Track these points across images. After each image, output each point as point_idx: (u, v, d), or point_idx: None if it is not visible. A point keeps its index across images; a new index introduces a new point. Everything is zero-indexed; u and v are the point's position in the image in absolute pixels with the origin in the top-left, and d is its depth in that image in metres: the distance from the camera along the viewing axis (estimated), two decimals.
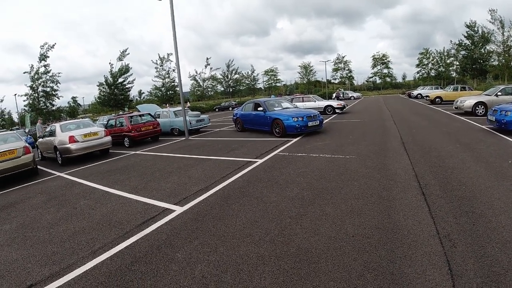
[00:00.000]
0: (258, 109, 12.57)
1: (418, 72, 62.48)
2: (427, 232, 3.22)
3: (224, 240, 3.46)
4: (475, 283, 2.34)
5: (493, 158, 6.10)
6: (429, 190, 4.46)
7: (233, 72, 60.09)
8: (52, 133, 11.52)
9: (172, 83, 45.26)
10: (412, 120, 13.79)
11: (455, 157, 6.38)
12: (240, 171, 6.63)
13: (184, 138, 13.58)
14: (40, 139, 12.88)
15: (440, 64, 55.08)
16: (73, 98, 35.58)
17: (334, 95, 46.10)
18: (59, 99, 33.21)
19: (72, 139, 10.25)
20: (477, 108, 13.79)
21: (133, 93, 43.38)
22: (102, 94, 38.40)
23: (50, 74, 31.72)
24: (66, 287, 2.90)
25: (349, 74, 74.41)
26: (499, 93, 13.76)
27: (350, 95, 48.98)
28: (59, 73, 32.54)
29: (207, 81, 53.90)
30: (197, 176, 6.64)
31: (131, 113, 16.17)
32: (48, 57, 31.22)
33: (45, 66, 31.34)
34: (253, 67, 77.09)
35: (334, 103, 20.66)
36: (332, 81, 77.71)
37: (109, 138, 11.31)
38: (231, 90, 60.88)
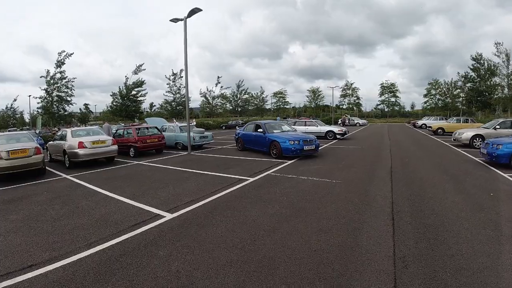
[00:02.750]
0: (259, 130, 13.09)
1: (425, 102, 63.09)
2: (384, 253, 3.57)
3: (202, 244, 3.89)
4: None
5: (475, 190, 6.43)
6: (399, 216, 4.81)
7: (243, 92, 61.56)
8: (62, 138, 12.22)
9: (183, 99, 46.46)
10: (409, 149, 14.18)
11: (438, 187, 6.73)
12: (231, 187, 7.07)
13: (186, 153, 14.12)
14: (51, 142, 13.54)
15: (447, 95, 55.66)
16: (85, 104, 36.89)
17: (339, 121, 46.65)
18: (72, 105, 34.33)
19: (81, 145, 10.89)
20: (474, 140, 14.09)
21: (145, 105, 44.56)
22: (115, 103, 39.63)
23: (65, 80, 32.87)
24: (61, 270, 3.35)
25: (357, 101, 75.66)
26: (498, 126, 14.10)
27: (356, 121, 49.47)
28: (74, 78, 33.71)
29: (216, 99, 55.23)
30: (191, 188, 7.11)
31: (140, 124, 16.89)
32: (65, 63, 32.44)
33: (61, 72, 32.54)
34: (262, 88, 78.37)
35: (336, 128, 21.12)
36: (340, 106, 78.75)
37: (115, 147, 11.92)
38: (239, 109, 62.05)
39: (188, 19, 14.08)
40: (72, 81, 33.52)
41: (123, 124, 26.96)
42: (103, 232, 4.49)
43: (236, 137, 15.21)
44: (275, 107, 79.95)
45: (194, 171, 9.46)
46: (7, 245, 4.17)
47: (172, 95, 46.73)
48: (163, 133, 15.68)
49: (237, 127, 44.70)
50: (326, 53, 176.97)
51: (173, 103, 46.39)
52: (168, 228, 4.55)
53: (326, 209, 5.26)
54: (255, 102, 70.07)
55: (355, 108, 76.37)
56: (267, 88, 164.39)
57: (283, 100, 79.57)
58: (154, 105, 64.09)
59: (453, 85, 54.15)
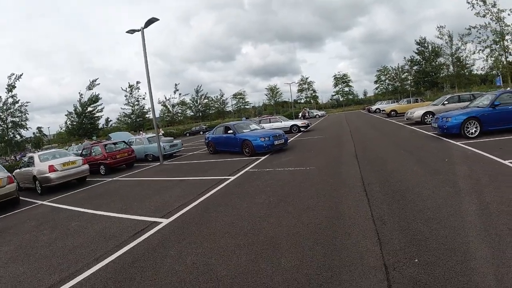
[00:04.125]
0: (228, 132, 13.49)
1: (377, 88, 66.62)
2: (364, 216, 4.23)
3: (208, 238, 4.28)
4: (398, 246, 3.26)
5: (432, 158, 7.37)
6: (370, 188, 5.52)
7: (202, 97, 61.54)
8: (29, 164, 11.89)
9: (142, 110, 45.67)
10: (367, 133, 15.33)
11: (398, 161, 7.60)
12: (216, 187, 7.46)
13: (158, 163, 14.18)
14: (17, 170, 13.06)
15: (396, 79, 59.21)
16: (39, 128, 35.10)
17: (300, 114, 48.08)
18: (27, 130, 32.45)
19: (52, 168, 10.68)
20: (425, 117, 15.43)
21: (101, 121, 43.15)
22: (71, 123, 38.09)
23: (18, 104, 31.04)
24: (78, 286, 3.54)
25: (313, 94, 78.16)
26: (446, 102, 15.59)
27: (315, 113, 51.25)
28: (27, 102, 31.93)
29: (176, 106, 54.74)
30: (177, 194, 7.40)
31: (99, 142, 16.64)
32: (15, 87, 30.65)
33: (12, 96, 30.70)
34: (222, 91, 78.63)
35: (299, 122, 22.09)
36: (298, 101, 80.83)
37: (86, 166, 11.81)
38: (200, 115, 61.92)
39: (144, 29, 14.17)
40: (26, 105, 31.67)
41: (90, 142, 26.11)
42: (105, 246, 4.66)
43: (207, 141, 15.48)
44: (236, 109, 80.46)
45: (173, 178, 9.69)
46: (12, 275, 4.20)
47: (130, 107, 45.71)
48: (131, 146, 15.58)
49: (201, 132, 44.84)
50: (278, 50, 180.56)
51: (132, 116, 45.37)
52: (169, 231, 4.87)
53: (307, 192, 5.85)
54: (216, 105, 70.16)
55: (312, 101, 78.82)
56: (224, 90, 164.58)
57: (243, 101, 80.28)
58: (110, 120, 62.33)
59: (400, 69, 57.78)
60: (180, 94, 53.55)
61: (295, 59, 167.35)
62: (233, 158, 12.10)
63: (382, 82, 63.66)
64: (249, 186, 7.06)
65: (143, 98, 46.08)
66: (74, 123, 38.42)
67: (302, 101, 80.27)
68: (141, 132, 32.36)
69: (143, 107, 46.19)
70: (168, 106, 54.72)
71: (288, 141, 13.97)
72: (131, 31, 14.53)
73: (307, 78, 77.97)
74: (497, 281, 2.47)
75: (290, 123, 21.95)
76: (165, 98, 55.45)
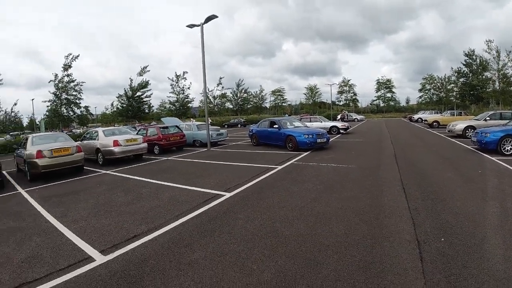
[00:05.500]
0: (274, 126, 14.46)
1: (420, 97, 64.85)
2: (401, 206, 5.04)
3: (268, 209, 5.26)
4: (429, 229, 4.06)
5: (467, 169, 7.94)
6: (408, 186, 6.27)
7: (243, 91, 63.17)
8: (92, 137, 13.46)
9: (186, 99, 47.91)
10: (407, 140, 15.72)
11: (435, 167, 8.22)
12: (266, 173, 8.45)
13: (206, 149, 15.46)
14: (78, 142, 14.63)
15: (441, 89, 57.42)
16: (86, 107, 37.93)
17: (338, 116, 48.18)
18: (80, 108, 35.38)
19: (116, 143, 12.09)
20: (467, 131, 15.60)
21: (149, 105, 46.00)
22: (121, 105, 40.97)
23: (74, 83, 33.82)
24: (166, 234, 4.54)
25: (353, 97, 77.39)
26: (488, 118, 15.68)
27: (354, 117, 51.01)
28: (82, 82, 34.72)
29: (217, 98, 56.66)
30: (231, 176, 8.45)
31: (143, 125, 18.14)
32: (71, 67, 33.31)
33: (68, 75, 33.39)
34: (262, 87, 79.86)
35: (339, 124, 22.63)
36: (337, 103, 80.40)
37: (145, 144, 13.23)
38: (239, 108, 63.60)
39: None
40: (81, 85, 34.50)
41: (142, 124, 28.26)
42: (180, 208, 5.72)
43: (251, 133, 16.58)
44: (273, 105, 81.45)
45: (224, 163, 10.82)
46: (96, 226, 4.98)
47: (175, 96, 48.01)
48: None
49: (239, 125, 46.26)
50: (319, 50, 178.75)
51: (176, 103, 47.63)
52: (234, 201, 5.92)
53: (350, 184, 6.70)
54: (254, 100, 71.65)
55: (351, 104, 78.10)
56: (262, 86, 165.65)
57: (282, 98, 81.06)
58: (152, 106, 65.62)
59: (446, 80, 55.95)
60: (223, 87, 55.56)
61: (336, 60, 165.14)
62: (276, 151, 13.02)
63: (426, 91, 61.90)
64: (297, 175, 7.98)
65: (188, 88, 48.40)
66: (124, 105, 41.38)
67: (341, 103, 79.77)
68: (192, 119, 34.31)
69: (187, 96, 48.43)
70: (210, 97, 56.76)
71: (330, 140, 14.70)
72: (191, 26, 15.80)
73: (348, 80, 77.51)
74: (504, 259, 3.23)
75: (330, 124, 22.55)
76: (208, 89, 57.57)
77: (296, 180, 7.45)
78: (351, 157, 10.75)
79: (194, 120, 28.52)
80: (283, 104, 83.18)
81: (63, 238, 4.71)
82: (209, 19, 15.02)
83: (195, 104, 65.82)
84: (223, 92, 58.65)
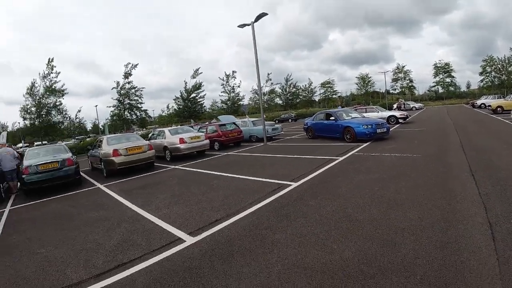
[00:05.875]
0: (330, 118, 14.44)
1: (481, 81, 59.66)
2: (471, 192, 4.98)
3: (337, 197, 5.46)
4: (499, 212, 4.01)
5: None
6: (477, 173, 6.08)
7: (291, 85, 63.15)
8: (160, 136, 14.50)
9: (237, 97, 49.45)
10: (472, 128, 14.83)
11: (504, 154, 7.77)
12: (328, 164, 8.59)
13: (262, 144, 15.88)
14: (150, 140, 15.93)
15: (502, 72, 52.35)
16: (144, 110, 41.20)
17: (395, 105, 46.07)
18: (141, 111, 38.36)
19: (182, 141, 13.00)
20: None
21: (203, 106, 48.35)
22: (177, 106, 43.74)
23: (135, 89, 36.88)
24: (245, 219, 4.95)
25: (409, 84, 73.11)
26: None
27: (411, 105, 48.37)
28: (142, 88, 37.86)
29: (267, 94, 57.30)
30: (294, 167, 8.74)
31: (209, 123, 18.96)
32: (131, 75, 36.35)
33: (129, 82, 36.49)
34: (310, 80, 78.22)
35: (397, 113, 21.80)
36: (391, 91, 76.62)
37: (208, 141, 14.00)
38: (288, 103, 63.69)
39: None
40: (141, 90, 37.54)
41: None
42: (252, 197, 6.12)
43: (306, 127, 16.69)
44: (323, 98, 79.93)
45: (283, 156, 11.13)
46: (179, 213, 5.58)
47: (226, 95, 49.66)
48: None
49: (290, 120, 46.36)
50: (368, 37, 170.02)
51: (228, 102, 49.19)
52: (302, 190, 6.19)
53: (416, 173, 6.63)
54: (304, 94, 71.06)
55: (407, 91, 73.96)
56: (308, 79, 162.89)
57: (331, 90, 79.17)
58: (204, 106, 68.37)
59: (507, 61, 50.86)
60: (272, 83, 56.03)
61: (388, 46, 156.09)
62: (334, 143, 13.00)
63: (487, 74, 56.59)
64: (360, 165, 8.03)
65: (238, 86, 49.99)
66: (180, 106, 44.00)
67: (396, 91, 75.88)
68: (247, 116, 35.73)
69: (238, 94, 49.96)
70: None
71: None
72: (242, 25, 16.24)
73: (403, 67, 73.15)
74: None
75: (387, 113, 21.80)
76: (257, 87, 58.48)
77: (360, 170, 7.50)
78: (414, 146, 10.45)
79: (248, 117, 29.36)
80: (333, 96, 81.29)
81: (151, 223, 5.31)
82: (259, 17, 15.31)
83: (245, 101, 67.29)
84: (272, 88, 59.30)
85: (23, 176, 9.31)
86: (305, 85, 72.81)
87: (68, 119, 36.16)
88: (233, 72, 49.59)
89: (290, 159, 10.23)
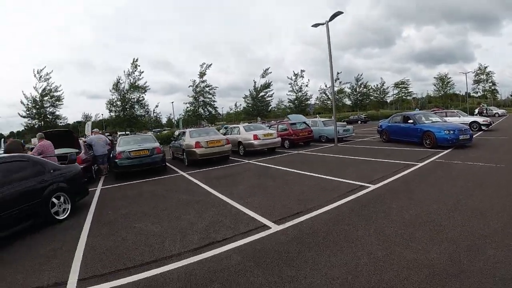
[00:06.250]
0: (408, 121, 13.75)
1: None
2: None
3: (420, 202, 5.42)
4: None
5: None
6: None
7: (362, 85, 60.98)
8: (234, 132, 15.29)
9: (305, 97, 49.41)
10: None
11: None
12: (407, 169, 8.34)
13: (333, 145, 15.78)
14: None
15: None
16: (216, 108, 44.11)
17: (476, 110, 42.08)
18: (215, 109, 41.06)
19: (255, 137, 13.63)
20: None
21: (272, 104, 49.72)
22: (247, 105, 45.60)
23: (209, 88, 39.51)
24: (326, 213, 5.18)
25: (492, 87, 65.44)
26: None
27: (494, 111, 43.71)
28: (215, 87, 40.40)
29: (336, 94, 56.16)
30: (370, 169, 8.69)
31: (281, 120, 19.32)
32: (206, 74, 39.04)
33: (203, 81, 39.26)
34: (383, 80, 73.16)
35: (480, 119, 20.01)
36: (472, 94, 69.29)
37: (279, 139, 14.47)
38: (357, 104, 61.63)
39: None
40: (214, 89, 40.09)
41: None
42: (329, 194, 6.28)
43: (380, 129, 16.18)
44: (395, 99, 75.28)
45: (356, 158, 11.05)
46: (261, 203, 6.01)
47: (294, 94, 49.84)
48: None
49: (359, 121, 45.03)
50: (445, 33, 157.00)
51: (295, 101, 49.35)
52: (381, 192, 6.23)
53: (500, 184, 6.24)
54: (375, 95, 67.50)
55: (489, 95, 66.27)
56: (379, 78, 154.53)
57: (406, 91, 73.81)
58: (270, 105, 69.34)
59: None
60: (340, 82, 54.59)
61: (467, 43, 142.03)
62: (411, 148, 12.43)
63: None
64: (442, 173, 7.74)
65: (306, 86, 49.88)
66: (250, 104, 45.62)
67: (477, 94, 68.33)
68: (317, 116, 36.04)
69: (305, 93, 49.87)
70: (328, 94, 56.67)
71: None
72: (316, 25, 16.29)
73: (485, 67, 65.44)
74: None
75: (470, 119, 20.04)
76: (325, 86, 57.71)
77: (442, 177, 7.26)
78: (499, 156, 9.64)
79: (319, 117, 29.30)
80: (407, 97, 75.99)
81: (236, 210, 5.84)
82: (334, 16, 15.09)
83: (311, 101, 66.68)
84: (340, 87, 57.74)
85: (116, 160, 10.71)
86: (377, 85, 68.95)
87: (148, 113, 39.61)
88: (302, 71, 49.61)
89: (364, 161, 10.14)
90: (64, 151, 10.12)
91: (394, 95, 73.50)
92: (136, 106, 37.54)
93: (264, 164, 11.15)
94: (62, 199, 6.28)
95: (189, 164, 12.45)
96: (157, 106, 47.39)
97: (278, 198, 6.37)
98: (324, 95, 58.83)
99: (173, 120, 72.36)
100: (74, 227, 5.70)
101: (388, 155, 11.14)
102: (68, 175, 6.74)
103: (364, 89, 62.73)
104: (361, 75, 62.84)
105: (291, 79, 49.94)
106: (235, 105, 75.56)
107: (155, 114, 73.13)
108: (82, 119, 75.77)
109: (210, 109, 41.17)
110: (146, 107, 38.57)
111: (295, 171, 9.27)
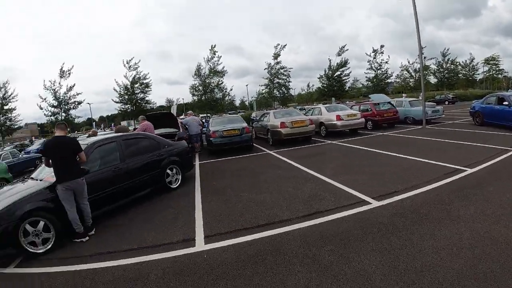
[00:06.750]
0: (503, 103, 12.56)
1: None
2: None
3: None
4: None
5: None
6: None
7: (449, 61, 55.37)
8: (315, 113, 15.59)
9: (385, 75, 46.54)
10: None
11: None
12: (505, 153, 7.90)
13: (420, 127, 15.13)
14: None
15: None
16: (289, 89, 44.70)
17: None
18: (288, 89, 41.65)
19: (338, 117, 13.85)
20: None
21: (348, 84, 47.96)
22: (322, 85, 45.14)
23: (283, 69, 40.00)
24: (423, 194, 5.37)
25: None
26: None
27: None
28: (290, 68, 40.70)
29: (419, 72, 52.05)
30: (464, 153, 8.46)
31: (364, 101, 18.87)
32: (280, 55, 39.44)
33: (278, 63, 39.85)
34: (472, 55, 63.94)
35: None
36: None
37: (363, 119, 14.44)
38: (444, 82, 56.26)
39: None
40: (289, 70, 40.46)
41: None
42: (426, 176, 6.34)
43: (473, 111, 14.97)
44: (486, 77, 66.21)
45: (449, 141, 10.59)
46: (357, 181, 6.36)
47: (373, 72, 47.22)
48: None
49: (446, 102, 41.46)
50: None
51: (374, 80, 46.90)
52: (480, 176, 6.18)
53: None
54: (463, 72, 60.19)
55: None
56: (465, 53, 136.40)
57: (496, 68, 64.62)
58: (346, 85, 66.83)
59: None
60: (425, 57, 50.22)
61: None
62: (510, 133, 11.40)
63: None
64: None
65: (386, 62, 46.58)
66: (325, 85, 44.99)
67: None
68: (403, 95, 34.48)
69: (386, 71, 46.78)
70: (411, 71, 53.04)
71: None
72: None
73: None
74: None
75: None
76: (408, 63, 53.95)
77: None
78: None
79: (405, 96, 27.95)
80: (499, 75, 66.61)
81: (332, 186, 6.38)
82: None
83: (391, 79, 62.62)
84: (425, 64, 52.90)
85: (211, 138, 12.01)
86: (466, 61, 61.23)
87: (227, 96, 41.61)
88: (381, 46, 46.11)
89: (458, 145, 9.72)
90: (164, 131, 11.68)
91: (484, 73, 64.85)
92: (216, 90, 39.76)
93: (348, 145, 11.40)
94: (174, 170, 7.55)
95: (273, 144, 13.28)
96: (231, 89, 49.51)
97: (372, 177, 6.73)
98: (406, 72, 54.77)
99: (246, 102, 74.40)
100: (186, 194, 6.86)
101: (483, 139, 10.43)
102: (178, 150, 7.96)
103: (452, 66, 56.81)
104: (448, 49, 56.28)
105: (370, 55, 47.27)
106: (308, 85, 74.76)
107: (229, 97, 77.23)
108: (165, 103, 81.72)
109: (285, 91, 41.85)
110: (224, 91, 40.62)
111: (385, 152, 9.35)
